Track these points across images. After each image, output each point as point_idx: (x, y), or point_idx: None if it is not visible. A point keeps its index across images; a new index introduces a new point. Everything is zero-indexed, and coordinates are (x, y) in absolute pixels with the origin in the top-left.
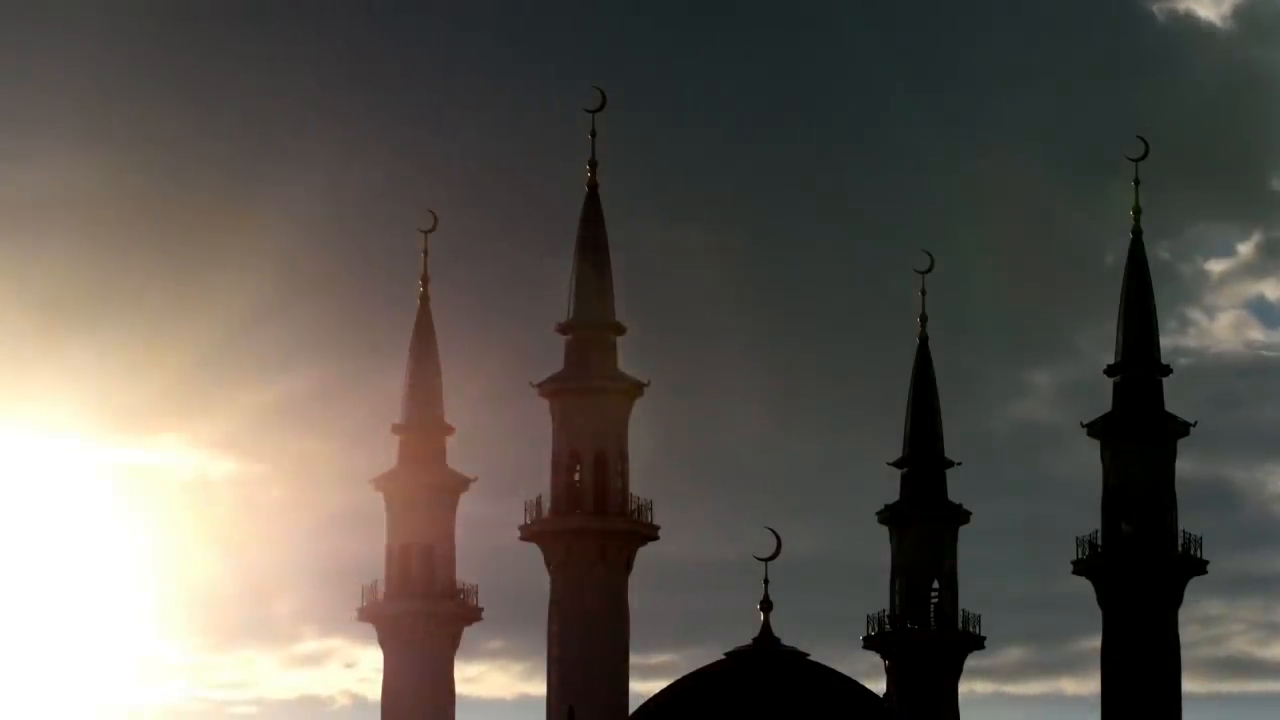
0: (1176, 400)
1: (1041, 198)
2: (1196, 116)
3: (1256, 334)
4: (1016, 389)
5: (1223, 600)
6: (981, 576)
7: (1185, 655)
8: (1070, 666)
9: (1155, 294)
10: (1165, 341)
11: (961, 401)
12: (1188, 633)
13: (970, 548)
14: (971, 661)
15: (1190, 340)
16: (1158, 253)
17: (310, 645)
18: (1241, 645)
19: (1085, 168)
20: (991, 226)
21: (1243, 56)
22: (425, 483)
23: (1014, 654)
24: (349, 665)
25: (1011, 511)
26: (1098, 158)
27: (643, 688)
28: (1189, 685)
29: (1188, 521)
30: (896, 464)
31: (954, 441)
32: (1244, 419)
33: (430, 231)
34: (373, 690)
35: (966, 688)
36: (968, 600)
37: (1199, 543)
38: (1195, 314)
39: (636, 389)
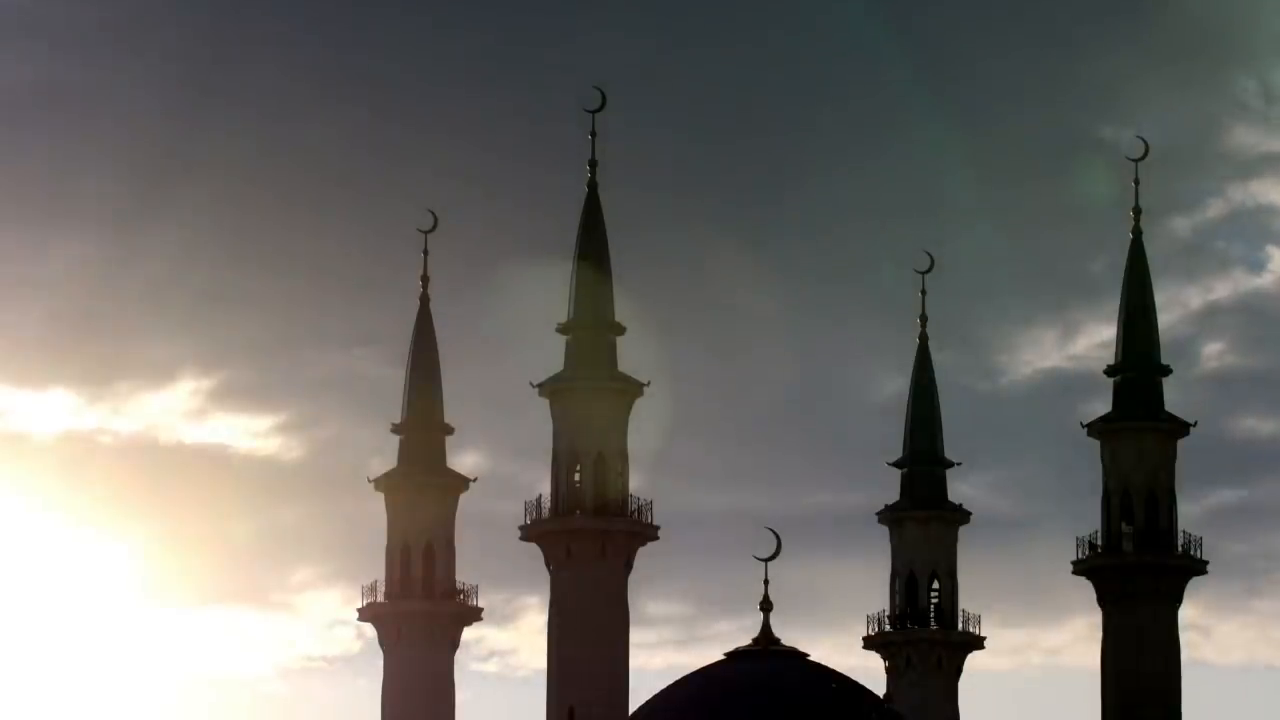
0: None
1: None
2: None
3: None
4: (1016, 389)
5: None
6: (982, 576)
7: (1261, 629)
8: (1070, 666)
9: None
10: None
11: (961, 401)
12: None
13: (970, 548)
14: (972, 661)
15: None
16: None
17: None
18: None
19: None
20: (992, 225)
21: None
22: (425, 483)
23: (1014, 653)
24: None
25: (1012, 511)
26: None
27: (643, 688)
28: (1270, 657)
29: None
30: (896, 464)
31: (954, 441)
32: None
33: (430, 231)
34: None
35: (967, 687)
36: (968, 600)
37: (1199, 543)
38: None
39: (636, 389)
